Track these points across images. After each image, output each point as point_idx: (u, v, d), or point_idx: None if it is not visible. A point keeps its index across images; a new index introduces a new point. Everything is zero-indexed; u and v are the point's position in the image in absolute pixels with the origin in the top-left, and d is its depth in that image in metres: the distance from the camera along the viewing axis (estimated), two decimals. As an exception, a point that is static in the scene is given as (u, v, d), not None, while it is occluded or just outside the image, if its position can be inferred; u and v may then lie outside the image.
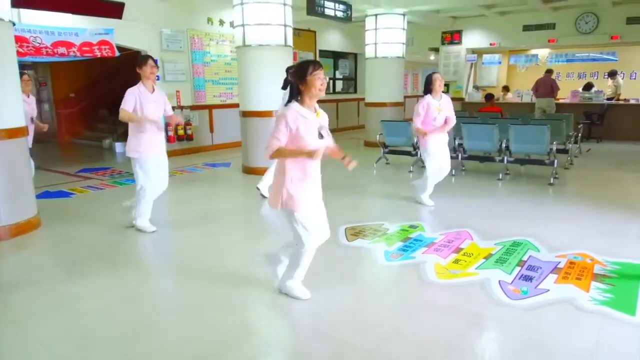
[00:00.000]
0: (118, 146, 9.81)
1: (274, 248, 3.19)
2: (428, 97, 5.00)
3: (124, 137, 10.15)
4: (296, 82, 2.70)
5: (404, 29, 10.11)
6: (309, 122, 2.71)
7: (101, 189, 6.35)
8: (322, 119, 2.80)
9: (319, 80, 2.68)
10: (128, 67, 9.46)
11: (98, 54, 7.19)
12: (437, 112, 4.96)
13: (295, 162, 2.76)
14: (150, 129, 4.19)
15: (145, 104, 4.12)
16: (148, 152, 4.21)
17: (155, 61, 4.18)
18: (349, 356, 2.39)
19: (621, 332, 2.58)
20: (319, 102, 2.81)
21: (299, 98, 2.72)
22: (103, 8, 7.06)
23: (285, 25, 6.94)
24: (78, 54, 7.01)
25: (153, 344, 2.55)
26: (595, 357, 2.34)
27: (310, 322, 2.81)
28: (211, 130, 9.85)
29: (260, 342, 2.63)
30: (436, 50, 14.84)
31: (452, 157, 5.48)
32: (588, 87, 11.68)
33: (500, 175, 6.59)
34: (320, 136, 2.74)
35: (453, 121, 5.08)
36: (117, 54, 7.40)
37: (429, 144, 5.10)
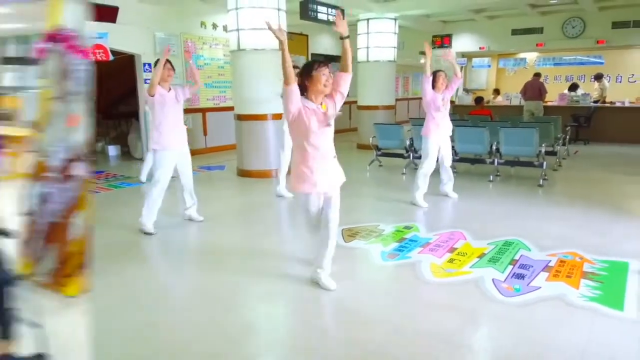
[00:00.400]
0: (111, 149, 9.76)
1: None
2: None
3: (116, 140, 10.23)
4: (302, 80, 2.83)
5: (395, 33, 10.25)
6: (313, 110, 2.84)
7: (97, 192, 6.37)
8: (329, 109, 2.91)
9: (324, 77, 2.81)
10: (121, 70, 9.51)
11: (92, 58, 7.20)
12: (441, 103, 5.22)
13: (298, 144, 2.92)
14: (170, 118, 4.35)
15: (167, 100, 4.32)
16: (168, 143, 4.35)
17: (171, 64, 4.34)
18: (350, 355, 2.46)
19: (610, 327, 2.69)
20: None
21: (305, 95, 2.85)
22: (97, 12, 7.07)
23: (279, 30, 7.00)
24: (72, 57, 7.02)
25: (155, 343, 2.60)
26: (586, 350, 2.44)
27: (310, 321, 2.88)
28: (205, 133, 9.87)
29: (261, 342, 2.70)
30: (426, 53, 15.02)
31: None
32: (574, 87, 11.91)
33: (491, 177, 6.72)
34: (328, 124, 2.86)
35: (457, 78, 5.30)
36: (111, 57, 7.41)
37: (429, 140, 5.26)
